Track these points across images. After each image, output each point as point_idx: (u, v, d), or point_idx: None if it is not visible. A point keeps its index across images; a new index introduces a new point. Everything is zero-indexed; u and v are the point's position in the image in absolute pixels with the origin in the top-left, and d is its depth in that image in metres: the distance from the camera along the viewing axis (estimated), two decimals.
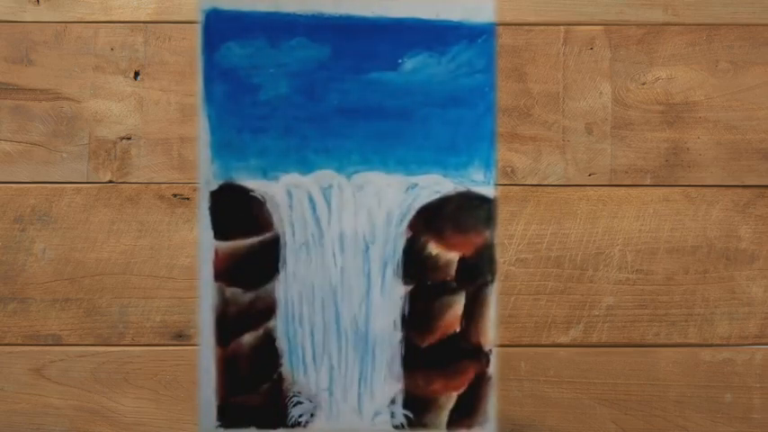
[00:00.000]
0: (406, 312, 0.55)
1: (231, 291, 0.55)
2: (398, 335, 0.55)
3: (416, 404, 0.56)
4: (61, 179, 0.56)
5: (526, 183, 0.57)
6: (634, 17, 0.57)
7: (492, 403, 0.56)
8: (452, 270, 0.56)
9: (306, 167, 0.55)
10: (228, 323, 0.55)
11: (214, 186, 0.55)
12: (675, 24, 0.57)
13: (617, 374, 0.57)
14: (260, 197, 0.55)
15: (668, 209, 0.57)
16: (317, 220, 0.55)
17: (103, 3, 0.57)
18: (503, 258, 0.57)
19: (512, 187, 0.57)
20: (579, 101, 0.57)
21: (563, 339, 0.57)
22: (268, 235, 0.55)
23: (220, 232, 0.55)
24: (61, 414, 0.56)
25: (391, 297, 0.55)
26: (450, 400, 0.56)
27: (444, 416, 0.56)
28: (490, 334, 0.56)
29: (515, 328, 0.57)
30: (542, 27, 0.57)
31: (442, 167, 0.55)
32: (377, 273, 0.55)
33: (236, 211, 0.55)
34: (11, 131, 0.56)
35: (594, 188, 0.57)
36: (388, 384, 0.55)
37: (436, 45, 0.56)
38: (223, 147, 0.55)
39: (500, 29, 0.57)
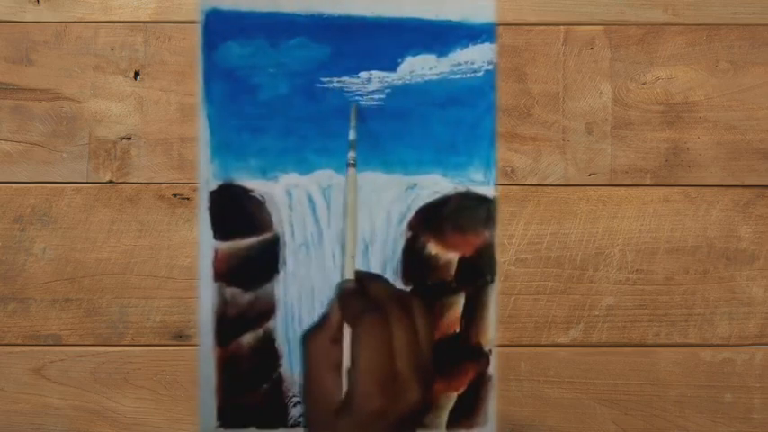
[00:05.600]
0: None
1: (231, 291, 0.55)
2: None
3: None
4: (61, 179, 0.56)
5: (526, 183, 0.57)
6: (634, 17, 0.57)
7: (492, 403, 0.56)
8: (452, 270, 0.56)
9: (305, 167, 0.55)
10: (228, 323, 0.55)
11: (213, 186, 0.55)
12: (675, 24, 0.57)
13: (617, 374, 0.57)
14: (259, 197, 0.55)
15: (668, 209, 0.57)
16: (317, 221, 0.55)
17: (103, 3, 0.57)
18: (503, 258, 0.57)
19: (512, 187, 0.57)
20: (579, 101, 0.57)
21: (563, 339, 0.57)
22: (267, 235, 0.55)
23: (220, 232, 0.55)
24: (61, 414, 0.56)
25: None
26: (449, 401, 0.56)
27: (444, 416, 0.56)
28: (490, 334, 0.56)
29: (515, 328, 0.57)
30: (542, 27, 0.57)
31: (441, 167, 0.55)
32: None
33: (236, 212, 0.55)
34: (11, 131, 0.56)
35: (594, 188, 0.57)
36: None
37: (436, 45, 0.56)
38: (223, 147, 0.55)
39: (500, 29, 0.57)
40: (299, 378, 0.55)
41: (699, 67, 0.57)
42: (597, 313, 0.57)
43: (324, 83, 0.55)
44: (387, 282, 0.52)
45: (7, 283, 0.56)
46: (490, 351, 0.56)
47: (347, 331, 0.48)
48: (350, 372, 0.47)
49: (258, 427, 0.55)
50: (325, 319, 0.51)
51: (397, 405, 0.46)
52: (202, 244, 0.55)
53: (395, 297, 0.49)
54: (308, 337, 0.51)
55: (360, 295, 0.50)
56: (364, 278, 0.52)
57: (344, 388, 0.48)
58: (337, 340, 0.49)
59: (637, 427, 0.56)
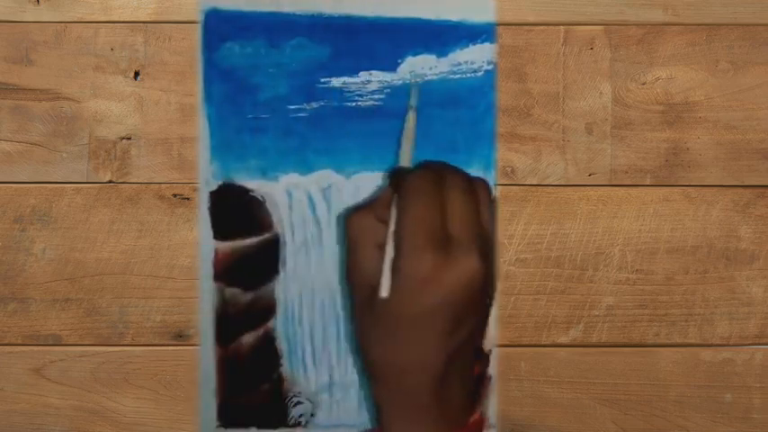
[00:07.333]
0: None
1: (231, 291, 0.55)
2: None
3: None
4: (61, 179, 0.56)
5: (526, 183, 0.57)
6: (634, 17, 0.57)
7: (492, 403, 0.56)
8: None
9: (305, 167, 0.55)
10: (228, 323, 0.55)
11: (213, 186, 0.55)
12: (675, 24, 0.57)
13: (617, 374, 0.57)
14: (259, 197, 0.55)
15: (668, 209, 0.57)
16: (317, 221, 0.55)
17: (103, 3, 0.57)
18: (503, 258, 0.57)
19: (512, 187, 0.57)
20: (579, 101, 0.57)
21: (563, 339, 0.57)
22: (268, 235, 0.55)
23: (220, 232, 0.55)
24: (61, 414, 0.56)
25: None
26: None
27: None
28: (490, 334, 0.56)
29: (515, 328, 0.57)
30: (542, 27, 0.57)
31: None
32: None
33: (236, 212, 0.55)
34: (11, 131, 0.56)
35: (594, 188, 0.57)
36: None
37: (436, 45, 0.56)
38: (223, 147, 0.55)
39: (500, 29, 0.57)
40: (303, 373, 0.55)
41: (699, 67, 0.57)
42: (597, 313, 0.57)
43: (324, 83, 0.55)
44: (452, 166, 0.46)
45: (7, 283, 0.56)
46: (490, 351, 0.56)
47: (395, 210, 0.43)
48: (395, 234, 0.41)
49: (258, 427, 0.55)
50: (371, 199, 0.47)
51: (452, 272, 0.39)
52: (202, 244, 0.55)
53: (455, 169, 0.44)
54: (351, 216, 0.46)
55: (415, 171, 0.44)
56: (425, 162, 0.46)
57: (387, 283, 0.42)
58: (383, 219, 0.44)
59: (637, 427, 0.56)
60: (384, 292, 0.42)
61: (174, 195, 0.56)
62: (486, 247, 0.42)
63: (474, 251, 0.41)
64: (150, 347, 0.56)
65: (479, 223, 0.43)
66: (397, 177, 0.46)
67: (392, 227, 0.43)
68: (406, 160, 0.49)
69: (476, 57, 0.56)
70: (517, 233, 0.57)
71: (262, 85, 0.55)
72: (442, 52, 0.56)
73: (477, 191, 0.44)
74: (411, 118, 0.51)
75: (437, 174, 0.44)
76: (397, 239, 0.42)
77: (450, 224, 0.41)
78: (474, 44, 0.56)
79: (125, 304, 0.56)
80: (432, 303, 0.40)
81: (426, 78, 0.56)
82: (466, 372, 0.45)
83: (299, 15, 0.56)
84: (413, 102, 0.53)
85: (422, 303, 0.40)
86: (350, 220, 0.46)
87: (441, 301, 0.40)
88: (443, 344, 0.41)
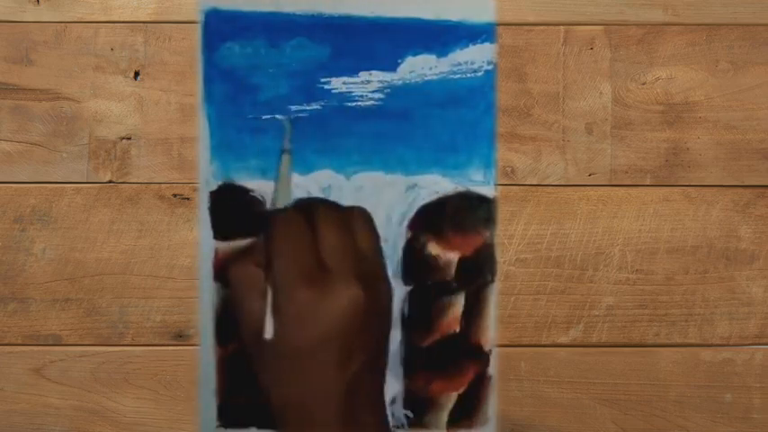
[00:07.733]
0: (406, 312, 0.55)
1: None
2: (398, 335, 0.55)
3: (416, 404, 0.56)
4: (61, 179, 0.56)
5: (526, 183, 0.57)
6: (634, 17, 0.57)
7: (492, 403, 0.56)
8: (452, 270, 0.56)
9: (305, 167, 0.55)
10: (228, 323, 0.55)
11: (213, 186, 0.55)
12: (675, 24, 0.57)
13: (617, 374, 0.57)
14: (259, 197, 0.55)
15: (668, 209, 0.57)
16: None
17: (103, 3, 0.57)
18: (503, 258, 0.57)
19: (512, 187, 0.57)
20: (579, 101, 0.57)
21: (563, 339, 0.57)
22: None
23: (220, 232, 0.55)
24: (61, 414, 0.56)
25: None
26: (450, 400, 0.56)
27: (444, 416, 0.56)
28: (490, 334, 0.56)
29: (515, 328, 0.57)
30: (542, 27, 0.57)
31: (441, 167, 0.55)
32: None
33: (236, 212, 0.55)
34: (11, 131, 0.56)
35: (594, 188, 0.57)
36: (388, 384, 0.55)
37: (436, 45, 0.56)
38: (223, 147, 0.55)
39: (500, 29, 0.57)
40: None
41: (699, 67, 0.57)
42: (597, 313, 0.57)
43: (324, 83, 0.55)
44: (324, 200, 0.48)
45: (7, 283, 0.56)
46: (490, 351, 0.56)
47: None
48: (269, 275, 0.43)
49: (258, 427, 0.55)
50: (248, 247, 0.48)
51: (330, 303, 0.41)
52: (202, 244, 0.55)
53: (326, 204, 0.46)
54: (231, 268, 0.47)
55: (281, 212, 0.47)
56: (295, 202, 0.49)
57: (270, 324, 0.43)
58: (261, 265, 0.45)
59: (637, 427, 0.56)
60: (268, 333, 0.43)
61: (174, 195, 0.56)
62: (368, 274, 0.43)
63: (351, 280, 0.42)
64: (150, 347, 0.56)
65: (356, 252, 0.44)
66: (268, 221, 0.47)
67: (269, 270, 0.44)
68: (281, 202, 0.50)
69: (476, 57, 0.56)
70: (517, 233, 0.57)
71: (262, 85, 0.55)
72: (442, 52, 0.56)
73: (351, 221, 0.46)
74: (285, 161, 0.52)
75: (306, 211, 0.45)
76: (273, 280, 0.43)
77: (326, 258, 0.43)
78: (474, 44, 0.56)
79: (125, 304, 0.56)
80: (315, 337, 0.41)
81: (426, 78, 0.56)
82: (374, 398, 0.46)
83: (299, 15, 0.56)
84: (286, 145, 0.53)
85: (305, 338, 0.41)
86: (230, 271, 0.47)
87: (324, 333, 0.41)
88: (339, 375, 0.42)
